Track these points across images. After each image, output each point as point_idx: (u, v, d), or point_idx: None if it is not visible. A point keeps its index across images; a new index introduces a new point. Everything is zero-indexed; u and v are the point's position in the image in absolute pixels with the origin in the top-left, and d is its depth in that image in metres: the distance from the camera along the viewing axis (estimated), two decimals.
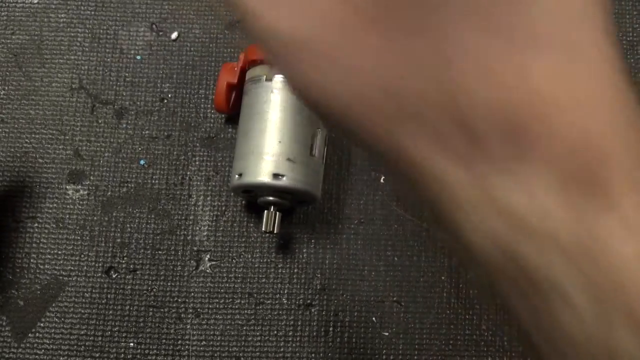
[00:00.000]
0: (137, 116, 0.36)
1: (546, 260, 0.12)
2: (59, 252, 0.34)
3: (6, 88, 0.36)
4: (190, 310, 0.33)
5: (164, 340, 0.33)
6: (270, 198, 0.31)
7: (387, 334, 0.33)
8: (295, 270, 0.34)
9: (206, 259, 0.34)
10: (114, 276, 0.33)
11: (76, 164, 0.35)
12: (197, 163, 0.35)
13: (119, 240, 0.34)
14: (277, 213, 0.32)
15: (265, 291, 0.33)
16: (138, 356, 0.33)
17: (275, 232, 0.32)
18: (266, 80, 0.31)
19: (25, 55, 0.36)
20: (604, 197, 0.12)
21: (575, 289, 0.12)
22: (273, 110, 0.31)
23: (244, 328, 0.33)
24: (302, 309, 0.33)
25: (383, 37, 0.13)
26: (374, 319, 0.33)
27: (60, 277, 0.33)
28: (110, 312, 0.33)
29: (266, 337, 0.33)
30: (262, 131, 0.31)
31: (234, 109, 0.34)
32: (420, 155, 0.13)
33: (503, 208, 0.12)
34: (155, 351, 0.33)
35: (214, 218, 0.34)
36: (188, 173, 0.35)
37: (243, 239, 0.34)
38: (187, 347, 0.33)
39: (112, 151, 0.35)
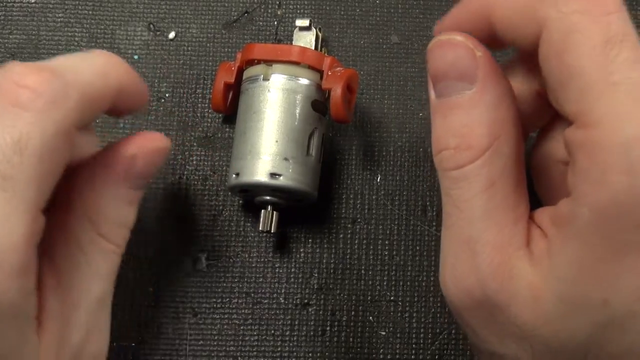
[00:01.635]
0: (135, 115, 0.36)
1: None
2: None
3: None
4: (188, 310, 0.33)
5: (161, 340, 0.33)
6: (267, 197, 0.31)
7: (384, 333, 0.33)
8: (293, 270, 0.34)
9: (203, 258, 0.34)
10: None
11: None
12: (194, 163, 0.35)
13: None
14: (274, 212, 0.32)
15: (263, 290, 0.33)
16: (136, 355, 0.33)
17: (272, 231, 0.32)
18: (263, 79, 0.31)
19: (23, 55, 0.36)
20: None
21: None
22: (270, 109, 0.31)
23: (241, 327, 0.33)
24: (299, 309, 0.33)
25: None
26: (370, 318, 0.33)
27: None
28: None
29: (263, 337, 0.33)
30: (259, 131, 0.31)
31: (231, 108, 0.34)
32: None
33: None
34: (153, 350, 0.33)
35: (211, 217, 0.34)
36: (185, 172, 0.35)
37: (240, 239, 0.34)
38: (184, 346, 0.33)
39: None
